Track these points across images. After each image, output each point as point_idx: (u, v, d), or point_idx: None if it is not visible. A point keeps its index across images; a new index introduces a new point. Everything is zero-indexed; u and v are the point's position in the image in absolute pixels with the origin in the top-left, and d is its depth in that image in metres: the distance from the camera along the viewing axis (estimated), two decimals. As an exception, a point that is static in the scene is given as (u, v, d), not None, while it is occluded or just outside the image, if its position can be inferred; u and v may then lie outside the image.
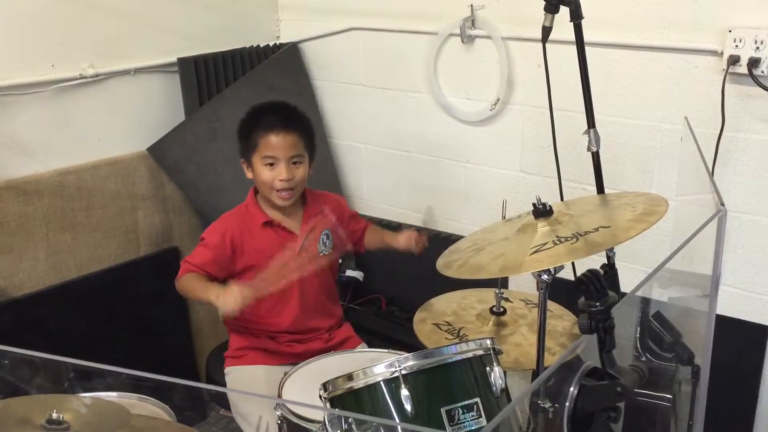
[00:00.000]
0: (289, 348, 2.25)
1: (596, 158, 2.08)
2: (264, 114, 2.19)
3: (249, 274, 2.19)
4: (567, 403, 1.35)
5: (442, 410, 1.47)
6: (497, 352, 1.59)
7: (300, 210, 2.27)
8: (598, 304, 1.34)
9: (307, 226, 2.25)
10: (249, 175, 2.22)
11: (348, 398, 1.52)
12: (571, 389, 1.35)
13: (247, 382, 2.24)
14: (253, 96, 2.87)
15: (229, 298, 1.96)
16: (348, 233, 2.38)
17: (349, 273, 3.09)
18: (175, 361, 3.01)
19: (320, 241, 2.27)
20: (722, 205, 1.49)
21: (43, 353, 1.17)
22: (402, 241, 2.31)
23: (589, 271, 1.38)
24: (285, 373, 2.02)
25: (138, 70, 2.82)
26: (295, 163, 2.16)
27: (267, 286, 2.03)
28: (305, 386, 1.95)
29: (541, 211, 1.66)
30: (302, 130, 2.20)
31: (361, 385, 1.50)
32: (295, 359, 2.16)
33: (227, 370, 2.30)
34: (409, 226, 2.72)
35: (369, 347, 2.35)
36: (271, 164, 2.14)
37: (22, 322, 2.51)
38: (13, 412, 1.32)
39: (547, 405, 1.46)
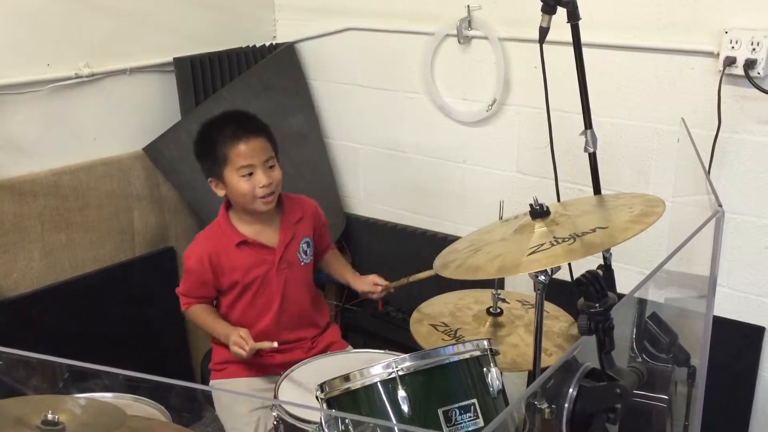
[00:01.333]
0: (269, 359, 2.22)
1: (593, 159, 2.08)
2: (223, 126, 2.13)
3: (234, 289, 2.19)
4: (566, 405, 1.35)
5: (439, 411, 1.47)
6: (494, 353, 1.59)
7: (277, 219, 2.22)
8: (597, 305, 1.34)
9: (285, 236, 2.22)
10: (221, 192, 2.16)
11: (345, 399, 1.52)
12: (571, 390, 1.35)
13: (229, 396, 2.23)
14: (249, 96, 2.86)
15: (239, 347, 2.06)
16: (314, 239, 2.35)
17: (346, 273, 3.08)
18: (170, 361, 3.01)
19: (300, 250, 2.25)
20: (720, 206, 1.49)
21: (38, 354, 1.16)
22: (364, 286, 2.31)
23: (589, 272, 1.38)
24: (281, 374, 2.02)
25: (134, 70, 2.81)
26: (271, 166, 2.13)
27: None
28: (302, 387, 1.95)
29: (539, 212, 1.66)
30: (266, 133, 2.16)
31: (358, 386, 1.50)
32: (277, 369, 2.16)
33: (211, 383, 2.31)
34: (414, 230, 2.70)
35: (365, 348, 2.35)
36: (249, 174, 2.09)
37: (17, 322, 2.50)
38: (8, 413, 1.32)
39: (544, 405, 1.46)
